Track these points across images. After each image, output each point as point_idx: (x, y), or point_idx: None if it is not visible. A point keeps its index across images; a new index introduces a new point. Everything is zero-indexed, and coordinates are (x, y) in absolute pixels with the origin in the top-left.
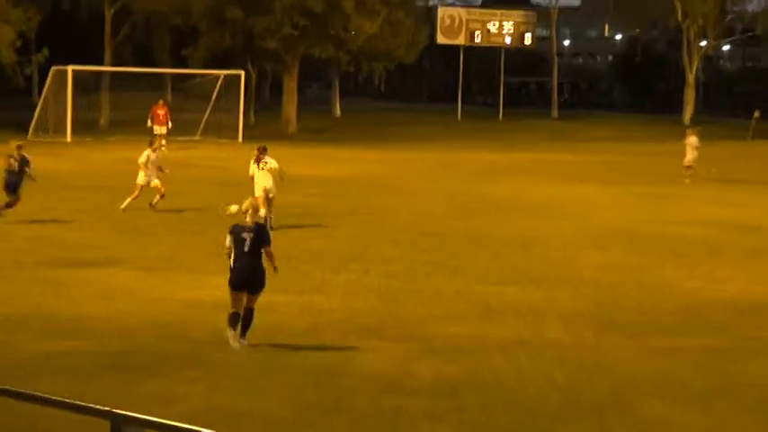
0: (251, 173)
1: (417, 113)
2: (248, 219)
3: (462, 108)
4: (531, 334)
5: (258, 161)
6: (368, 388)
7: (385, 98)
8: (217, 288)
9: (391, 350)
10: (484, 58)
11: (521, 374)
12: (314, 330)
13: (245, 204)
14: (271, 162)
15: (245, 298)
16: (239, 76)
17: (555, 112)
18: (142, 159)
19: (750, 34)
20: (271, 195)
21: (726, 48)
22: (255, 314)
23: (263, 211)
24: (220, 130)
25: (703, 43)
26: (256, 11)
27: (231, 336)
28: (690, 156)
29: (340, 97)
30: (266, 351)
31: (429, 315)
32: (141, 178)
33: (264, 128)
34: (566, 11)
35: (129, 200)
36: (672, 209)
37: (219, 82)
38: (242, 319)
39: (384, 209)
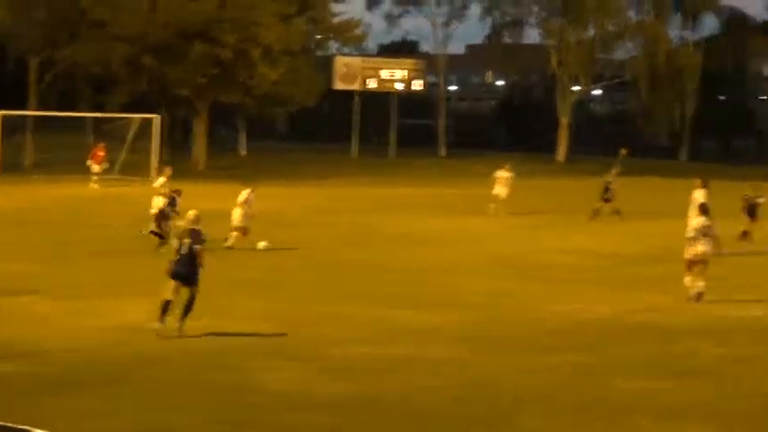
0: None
1: (316, 153)
2: (188, 226)
3: (358, 148)
4: (421, 353)
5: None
6: (272, 405)
7: (288, 139)
8: (135, 312)
9: (293, 370)
10: (378, 101)
11: (412, 391)
12: (223, 351)
13: (190, 214)
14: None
15: (180, 289)
16: (154, 119)
17: (443, 151)
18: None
19: (618, 80)
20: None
21: (596, 92)
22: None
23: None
24: (136, 168)
25: (576, 88)
26: (170, 60)
27: (159, 317)
28: (499, 189)
29: (246, 138)
30: (180, 370)
31: (328, 337)
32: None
33: (176, 167)
34: (452, 59)
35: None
36: (545, 238)
37: (135, 125)
38: (184, 307)
39: (285, 241)
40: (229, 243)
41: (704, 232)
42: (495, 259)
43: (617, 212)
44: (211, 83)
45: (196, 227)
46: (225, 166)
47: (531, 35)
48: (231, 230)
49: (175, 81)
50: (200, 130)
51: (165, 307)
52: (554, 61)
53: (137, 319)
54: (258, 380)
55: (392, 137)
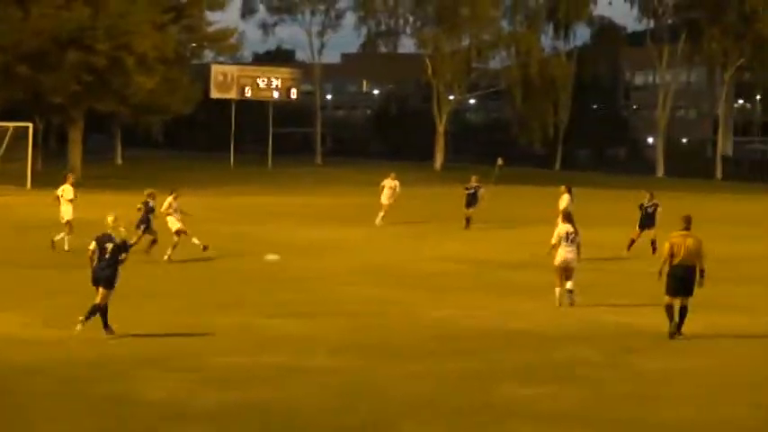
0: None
1: (193, 161)
2: (114, 233)
3: (235, 156)
4: (302, 362)
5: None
6: (149, 416)
7: (165, 148)
8: (6, 325)
9: (173, 380)
10: (255, 110)
11: (292, 400)
12: (103, 362)
13: (109, 220)
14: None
15: (101, 293)
16: (27, 127)
17: (319, 160)
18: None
19: (493, 89)
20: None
21: (472, 101)
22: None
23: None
24: (11, 177)
25: (451, 97)
26: (44, 68)
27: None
28: (385, 198)
29: (122, 147)
30: (58, 381)
31: (209, 347)
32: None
33: (51, 176)
34: (328, 68)
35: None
36: (424, 246)
37: (8, 134)
38: (93, 307)
39: (165, 252)
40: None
41: (570, 239)
42: (375, 267)
43: (468, 221)
44: (86, 91)
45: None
46: (101, 174)
47: (407, 44)
48: (173, 236)
49: (50, 89)
50: (75, 138)
51: (93, 310)
52: (429, 70)
53: (11, 332)
54: (137, 390)
55: (269, 145)
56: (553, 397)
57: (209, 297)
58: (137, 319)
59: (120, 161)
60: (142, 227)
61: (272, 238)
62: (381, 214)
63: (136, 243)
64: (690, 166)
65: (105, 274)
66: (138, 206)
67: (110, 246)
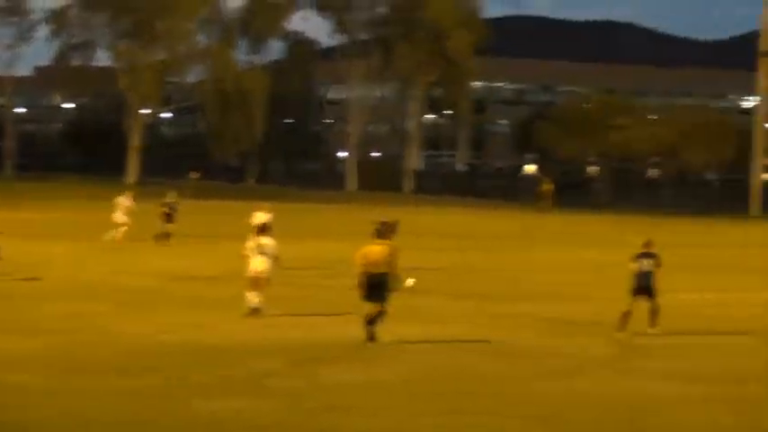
0: None
1: None
2: None
3: None
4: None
5: None
6: None
7: None
8: None
9: None
10: None
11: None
12: None
13: None
14: None
15: None
16: None
17: (10, 173)
18: None
19: (188, 103)
20: None
21: (167, 115)
22: None
23: None
24: None
25: (146, 111)
26: None
27: None
28: (118, 216)
29: None
30: None
31: None
32: None
33: None
34: (20, 80)
35: None
36: (128, 261)
37: None
38: None
39: None
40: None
41: (261, 251)
42: (76, 283)
43: (166, 236)
44: None
45: None
46: None
47: (103, 57)
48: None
49: None
50: None
51: None
52: (123, 84)
53: None
54: None
55: None
56: (247, 410)
57: None
58: None
59: None
60: None
61: None
62: (113, 231)
63: None
64: (381, 179)
65: None
66: None
67: None
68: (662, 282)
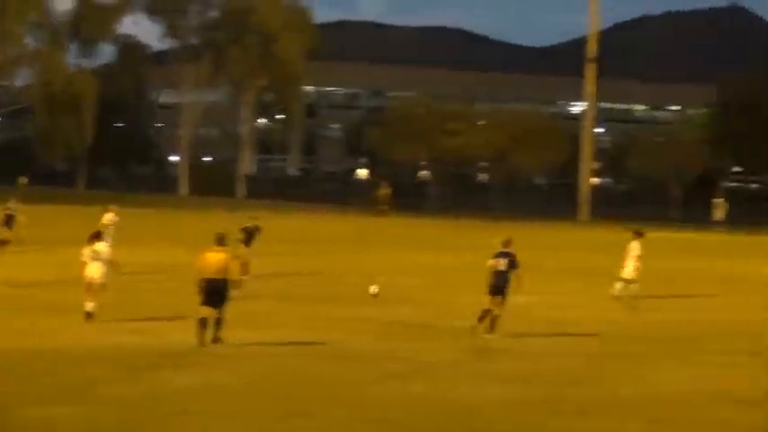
0: None
1: None
2: None
3: None
4: None
5: None
6: None
7: None
8: None
9: None
10: None
11: None
12: None
13: None
14: None
15: None
16: None
17: None
18: None
19: (16, 107)
20: None
21: None
22: None
23: None
24: None
25: None
26: None
27: None
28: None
29: None
30: None
31: None
32: None
33: None
34: None
35: None
36: None
37: None
38: None
39: None
40: None
41: (95, 257)
42: None
43: (3, 243)
44: None
45: None
46: None
47: None
48: None
49: None
50: None
51: None
52: None
53: None
54: None
55: None
56: (79, 417)
57: None
58: None
59: None
60: None
61: None
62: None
63: None
64: (214, 184)
65: None
66: None
67: None
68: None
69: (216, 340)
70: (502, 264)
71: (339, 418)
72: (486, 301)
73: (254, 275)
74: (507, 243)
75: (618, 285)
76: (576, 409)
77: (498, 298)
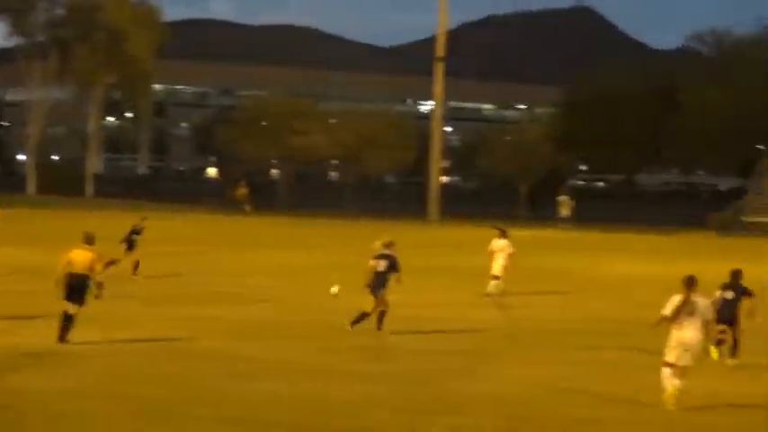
0: None
1: None
2: None
3: None
4: None
5: None
6: None
7: None
8: None
9: None
10: None
11: None
12: None
13: None
14: None
15: None
16: None
17: None
18: None
19: None
20: None
21: None
22: None
23: None
24: None
25: None
26: None
27: None
28: None
29: None
30: None
31: None
32: None
33: None
34: None
35: None
36: None
37: None
38: None
39: None
40: None
41: None
42: None
43: None
44: None
45: None
46: None
47: None
48: None
49: None
50: None
51: None
52: None
53: None
54: None
55: None
56: None
57: None
58: None
59: None
60: None
61: None
62: None
63: None
64: (62, 183)
65: None
66: None
67: None
68: (355, 285)
69: (62, 338)
70: (381, 265)
71: (195, 416)
72: (369, 301)
73: (117, 276)
74: (389, 245)
75: (493, 283)
76: (434, 408)
77: (379, 298)
